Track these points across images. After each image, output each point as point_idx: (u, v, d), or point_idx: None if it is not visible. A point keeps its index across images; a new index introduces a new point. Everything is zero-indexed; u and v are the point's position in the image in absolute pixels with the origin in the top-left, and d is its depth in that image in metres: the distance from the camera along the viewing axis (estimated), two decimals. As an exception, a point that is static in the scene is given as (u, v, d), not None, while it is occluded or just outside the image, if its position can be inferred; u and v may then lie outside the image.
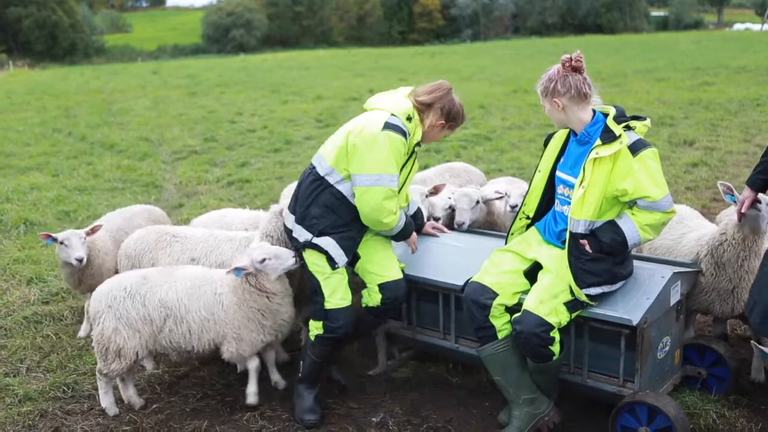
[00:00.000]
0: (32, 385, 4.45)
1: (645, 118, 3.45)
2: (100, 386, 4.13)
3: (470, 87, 21.82)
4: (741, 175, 8.82)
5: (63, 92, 26.34)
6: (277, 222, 4.17)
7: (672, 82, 20.26)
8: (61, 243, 4.76)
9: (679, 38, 48.57)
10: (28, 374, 4.63)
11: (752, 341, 3.51)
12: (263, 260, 3.83)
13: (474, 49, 51.44)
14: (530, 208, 3.81)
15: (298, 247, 3.90)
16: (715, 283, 3.90)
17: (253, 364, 4.08)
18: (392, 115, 3.73)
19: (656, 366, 3.63)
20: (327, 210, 3.80)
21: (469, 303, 3.63)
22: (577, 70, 3.37)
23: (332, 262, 3.83)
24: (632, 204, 3.40)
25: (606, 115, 3.42)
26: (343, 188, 3.78)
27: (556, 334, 3.44)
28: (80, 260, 4.73)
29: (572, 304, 3.46)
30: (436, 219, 4.57)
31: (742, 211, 3.67)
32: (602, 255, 3.41)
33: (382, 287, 3.96)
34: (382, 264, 4.00)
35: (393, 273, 4.00)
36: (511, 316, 3.57)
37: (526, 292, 3.60)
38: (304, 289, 4.20)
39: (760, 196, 3.68)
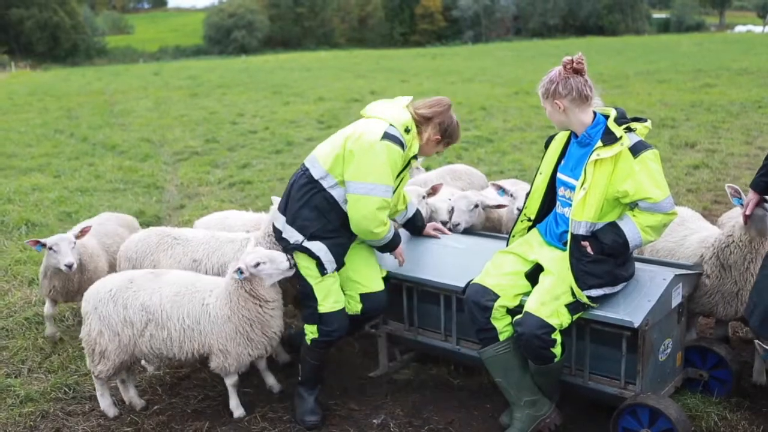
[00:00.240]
0: (34, 386, 4.45)
1: (646, 120, 3.44)
2: (96, 388, 4.14)
3: (472, 88, 21.85)
4: (742, 177, 8.82)
5: (65, 93, 26.38)
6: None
7: (673, 84, 20.26)
8: (50, 249, 4.60)
9: (680, 40, 48.59)
10: (30, 375, 4.63)
11: (757, 341, 3.51)
12: (257, 264, 3.74)
13: (475, 51, 51.49)
14: (531, 210, 3.81)
15: (288, 249, 3.85)
16: (719, 286, 3.89)
17: (230, 381, 4.03)
18: (391, 125, 3.70)
19: (658, 368, 3.62)
20: (318, 213, 3.77)
21: (471, 305, 3.63)
22: (578, 71, 3.37)
23: (322, 268, 3.80)
24: (633, 205, 3.39)
25: (607, 117, 3.42)
26: (336, 193, 3.76)
27: (557, 336, 3.44)
28: (70, 266, 4.55)
29: (573, 306, 3.45)
30: (444, 223, 4.54)
31: (747, 212, 3.66)
32: (603, 257, 3.41)
33: (364, 297, 3.97)
34: (365, 274, 4.00)
35: (375, 284, 4.01)
36: (512, 318, 3.57)
37: (527, 294, 3.59)
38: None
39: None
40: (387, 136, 3.66)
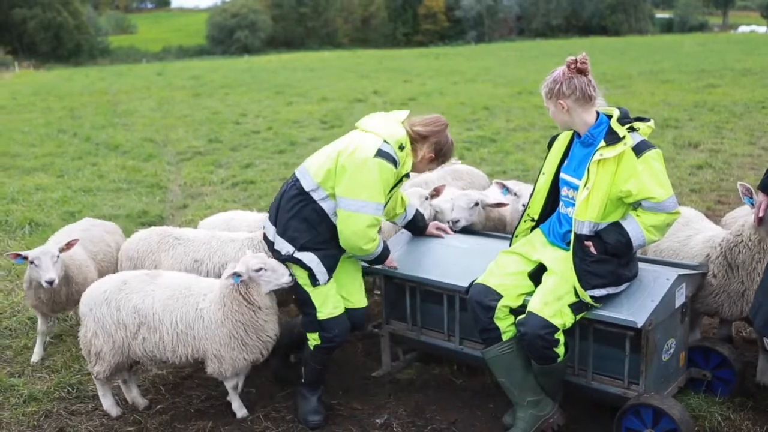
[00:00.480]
0: (37, 386, 4.46)
1: (649, 120, 3.44)
2: (97, 388, 4.14)
3: (475, 88, 21.84)
4: (746, 177, 8.80)
5: (68, 93, 26.42)
6: None
7: (677, 84, 20.24)
8: (32, 263, 4.34)
9: (684, 40, 48.54)
10: (33, 374, 4.64)
11: (765, 339, 3.49)
12: (259, 269, 3.71)
13: (478, 51, 51.48)
14: (535, 210, 3.81)
15: (281, 260, 3.81)
16: (725, 285, 3.86)
17: (230, 384, 4.02)
18: (385, 141, 3.65)
19: (661, 368, 3.62)
20: (308, 225, 3.74)
21: (474, 304, 3.63)
22: (582, 71, 3.37)
23: (314, 279, 3.78)
24: (637, 205, 3.39)
25: (610, 117, 3.42)
26: (326, 206, 3.73)
27: (560, 336, 3.43)
28: (51, 282, 4.29)
29: (577, 306, 3.45)
30: (449, 224, 4.52)
31: (760, 214, 3.64)
32: (607, 256, 3.40)
33: (349, 312, 3.95)
34: (351, 289, 4.00)
35: (359, 300, 4.03)
36: (515, 318, 3.57)
37: (530, 294, 3.59)
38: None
39: None
40: (380, 153, 3.61)
